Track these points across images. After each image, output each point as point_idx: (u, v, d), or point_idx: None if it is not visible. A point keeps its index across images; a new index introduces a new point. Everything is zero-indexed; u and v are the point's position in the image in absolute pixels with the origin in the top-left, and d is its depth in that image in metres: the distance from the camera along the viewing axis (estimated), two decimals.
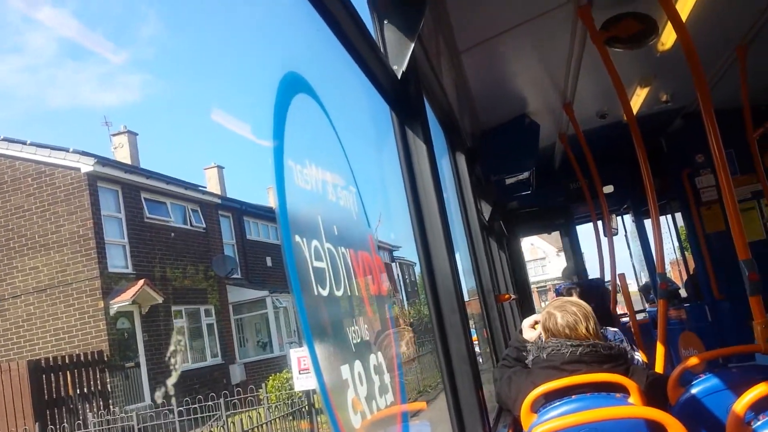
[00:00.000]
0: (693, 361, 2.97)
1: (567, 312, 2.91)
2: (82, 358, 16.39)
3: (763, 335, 2.84)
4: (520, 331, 3.29)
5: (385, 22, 2.06)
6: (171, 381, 18.17)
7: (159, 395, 17.16)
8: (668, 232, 9.75)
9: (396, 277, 34.59)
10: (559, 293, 6.41)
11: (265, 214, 26.30)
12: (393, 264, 34.39)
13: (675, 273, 16.67)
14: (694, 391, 2.84)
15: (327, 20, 1.54)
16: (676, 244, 10.38)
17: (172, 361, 18.93)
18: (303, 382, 8.85)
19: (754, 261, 2.94)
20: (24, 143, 18.02)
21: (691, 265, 7.69)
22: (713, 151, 3.07)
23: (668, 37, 3.93)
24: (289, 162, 1.23)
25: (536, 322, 3.18)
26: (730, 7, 3.95)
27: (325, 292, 1.30)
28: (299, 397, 11.91)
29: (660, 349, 3.72)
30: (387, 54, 2.06)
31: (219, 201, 24.03)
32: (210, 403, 13.06)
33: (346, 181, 1.58)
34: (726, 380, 2.82)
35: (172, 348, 19.12)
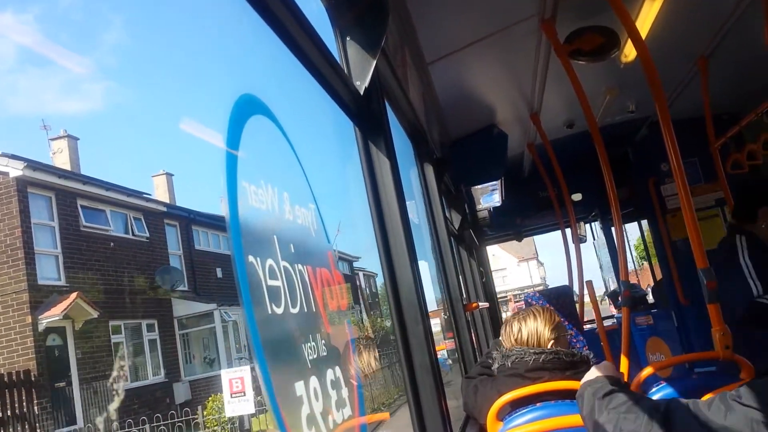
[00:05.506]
0: (648, 370, 3.04)
1: (530, 320, 2.98)
2: (5, 378, 14.85)
3: (720, 342, 2.92)
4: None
5: (347, 39, 2.09)
6: (108, 402, 16.83)
7: (93, 418, 15.90)
8: (639, 237, 9.88)
9: (357, 288, 34.01)
10: (527, 302, 6.49)
11: (216, 223, 24.70)
12: (354, 276, 33.75)
13: (644, 278, 16.91)
14: (654, 397, 2.90)
15: (285, 40, 1.55)
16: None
17: (110, 380, 17.50)
18: (236, 406, 7.65)
19: (711, 269, 3.02)
20: None
21: (658, 271, 7.80)
22: (671, 161, 3.16)
23: (631, 50, 4.00)
24: (243, 183, 1.24)
25: None
26: (690, 21, 4.05)
27: (279, 311, 1.29)
28: (234, 424, 10.33)
29: (624, 357, 3.78)
30: (350, 70, 2.09)
31: (165, 209, 22.64)
32: (152, 425, 11.81)
33: (304, 199, 1.60)
34: (685, 387, 2.89)
35: (109, 366, 17.75)
